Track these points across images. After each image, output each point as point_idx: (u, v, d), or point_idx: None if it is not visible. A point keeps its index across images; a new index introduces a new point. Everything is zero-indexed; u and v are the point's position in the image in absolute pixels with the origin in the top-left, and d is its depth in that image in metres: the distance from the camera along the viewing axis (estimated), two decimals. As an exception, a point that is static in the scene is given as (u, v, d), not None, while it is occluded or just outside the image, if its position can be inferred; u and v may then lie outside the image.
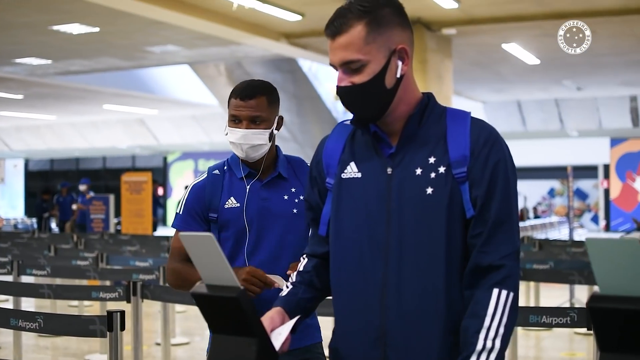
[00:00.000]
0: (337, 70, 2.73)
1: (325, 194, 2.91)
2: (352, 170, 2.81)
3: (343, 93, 2.73)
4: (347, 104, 2.75)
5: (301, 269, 2.98)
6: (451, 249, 2.67)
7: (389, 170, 2.74)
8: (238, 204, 3.85)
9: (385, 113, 2.72)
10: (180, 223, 3.88)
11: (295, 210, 3.89)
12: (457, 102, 24.16)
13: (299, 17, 14.94)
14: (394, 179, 2.72)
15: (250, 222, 3.82)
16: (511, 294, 2.63)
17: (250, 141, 3.84)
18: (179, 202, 3.95)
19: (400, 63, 2.71)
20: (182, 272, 3.82)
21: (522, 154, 33.77)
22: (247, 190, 3.88)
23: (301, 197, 3.89)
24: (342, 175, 2.83)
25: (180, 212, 3.91)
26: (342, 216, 2.80)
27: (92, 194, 23.00)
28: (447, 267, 2.66)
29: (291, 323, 2.72)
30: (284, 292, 2.91)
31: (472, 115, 2.83)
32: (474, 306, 2.63)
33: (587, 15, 15.11)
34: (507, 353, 3.25)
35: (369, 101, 2.70)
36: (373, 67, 2.66)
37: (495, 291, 2.62)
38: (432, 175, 2.68)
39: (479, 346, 2.56)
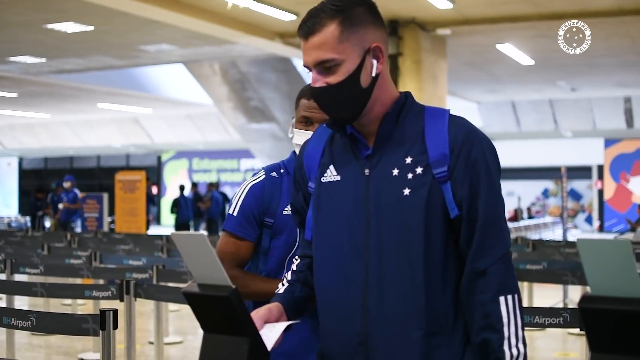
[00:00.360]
0: (310, 71, 2.69)
1: (309, 198, 2.89)
2: (331, 174, 2.79)
3: (318, 94, 2.69)
4: (322, 106, 2.71)
5: (295, 268, 2.94)
6: (430, 251, 2.63)
7: (367, 171, 2.70)
8: None
9: (361, 113, 2.68)
10: (235, 226, 3.64)
11: None
12: (451, 103, 24.19)
13: (293, 17, 14.96)
14: (371, 181, 2.69)
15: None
16: (515, 297, 2.63)
17: None
18: (233, 203, 3.70)
19: (375, 62, 2.67)
20: (239, 280, 3.47)
21: (516, 154, 33.84)
22: None
23: None
24: (322, 179, 2.80)
25: (235, 214, 3.66)
26: (323, 221, 2.78)
27: (76, 191, 22.93)
28: (427, 270, 2.62)
29: (286, 323, 2.68)
30: (281, 290, 2.87)
31: (451, 112, 2.78)
32: (487, 320, 2.62)
33: (582, 16, 15.10)
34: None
35: (345, 101, 2.66)
36: (348, 66, 2.63)
37: (502, 300, 2.61)
38: (409, 175, 2.65)
39: (508, 357, 2.58)
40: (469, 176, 2.63)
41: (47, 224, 27.85)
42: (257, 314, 2.65)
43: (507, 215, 30.77)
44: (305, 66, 2.71)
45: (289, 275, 2.93)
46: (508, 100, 30.24)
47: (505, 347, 2.58)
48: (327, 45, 2.61)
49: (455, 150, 2.64)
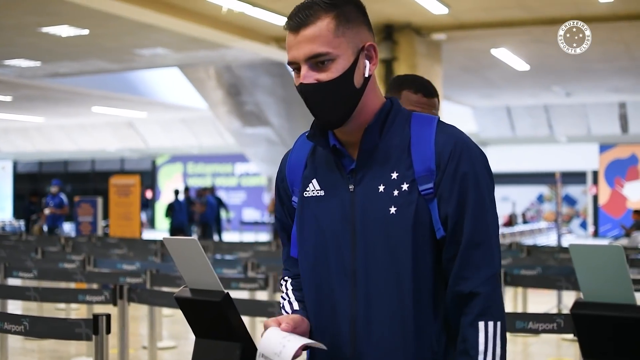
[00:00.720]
0: (293, 69, 2.53)
1: (294, 213, 2.70)
2: (314, 188, 2.61)
3: (308, 91, 2.48)
4: (312, 105, 2.50)
5: (294, 287, 2.75)
6: (419, 273, 2.47)
7: (351, 187, 2.53)
8: None
9: (350, 116, 2.50)
10: None
11: None
12: (446, 107, 24.20)
13: (288, 21, 14.94)
14: (356, 198, 2.52)
15: None
16: (498, 324, 2.45)
17: None
18: None
19: (367, 62, 2.52)
20: None
21: (511, 159, 33.85)
22: None
23: None
24: (305, 193, 2.63)
25: None
26: (307, 238, 2.61)
27: (62, 196, 22.83)
28: (416, 294, 2.46)
29: (315, 343, 2.50)
30: (296, 306, 2.69)
31: (441, 120, 2.60)
32: (463, 344, 2.46)
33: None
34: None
35: (336, 101, 2.47)
36: (342, 64, 2.45)
37: (481, 325, 2.44)
38: (395, 193, 2.47)
39: None
40: (455, 193, 2.46)
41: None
42: (291, 317, 2.51)
43: (502, 220, 30.75)
44: (290, 63, 2.52)
45: (291, 294, 2.74)
46: (503, 105, 30.26)
47: None
48: (322, 39, 2.44)
49: (441, 165, 2.46)
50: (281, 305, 2.76)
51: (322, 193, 2.60)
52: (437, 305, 2.51)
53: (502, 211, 30.65)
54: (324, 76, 2.45)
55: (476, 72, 21.68)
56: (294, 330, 2.48)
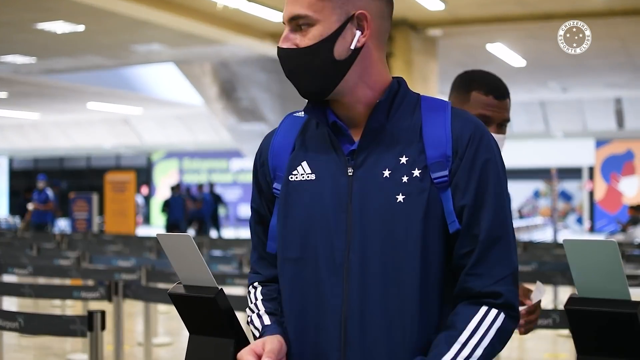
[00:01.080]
0: None
1: (274, 203, 2.38)
2: (303, 172, 2.29)
3: (282, 56, 2.25)
4: (287, 71, 2.27)
5: (265, 295, 2.43)
6: (428, 272, 2.17)
7: (350, 171, 2.22)
8: None
9: (332, 90, 2.22)
10: None
11: None
12: (442, 103, 24.19)
13: (284, 17, 14.93)
14: (356, 183, 2.21)
15: None
16: (503, 318, 2.17)
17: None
18: None
19: (358, 33, 2.21)
20: None
21: (507, 155, 33.73)
22: None
23: None
24: (291, 177, 2.31)
25: None
26: (292, 230, 2.29)
27: (48, 191, 22.70)
28: (422, 296, 2.17)
29: None
30: (267, 321, 2.36)
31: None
32: (452, 317, 2.18)
33: (572, 17, 15.05)
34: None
35: (311, 71, 2.21)
36: (321, 30, 2.18)
37: (484, 308, 2.16)
38: (404, 179, 2.18)
39: (447, 358, 2.11)
40: (474, 181, 2.18)
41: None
42: (269, 348, 2.22)
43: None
44: (284, 23, 2.28)
45: (262, 306, 2.41)
46: (499, 101, 30.24)
47: (453, 349, 2.12)
48: (304, 0, 2.19)
49: (459, 151, 2.19)
50: (248, 319, 2.44)
51: (313, 177, 2.28)
52: (443, 310, 2.22)
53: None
54: (301, 42, 2.22)
55: (472, 68, 21.62)
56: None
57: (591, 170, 34.68)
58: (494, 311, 2.16)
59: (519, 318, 2.23)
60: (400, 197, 2.17)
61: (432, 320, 2.18)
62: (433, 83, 17.53)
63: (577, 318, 2.17)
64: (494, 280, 2.17)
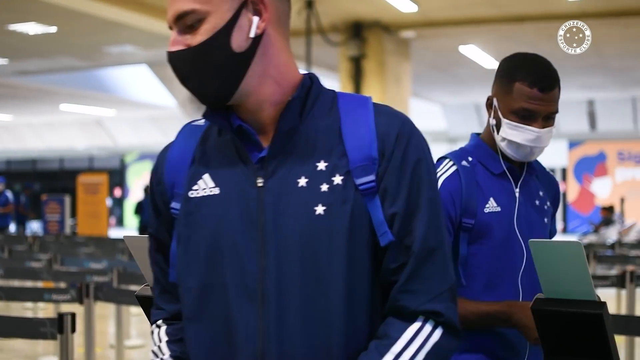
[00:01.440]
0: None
1: (173, 226, 2.05)
2: (205, 186, 1.98)
3: (173, 60, 1.96)
4: (181, 77, 1.96)
5: (169, 336, 2.11)
6: (355, 294, 1.88)
7: (260, 182, 1.91)
8: (499, 208, 2.93)
9: (236, 90, 1.92)
10: None
11: (546, 220, 3.07)
12: (416, 104, 24.25)
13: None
14: (267, 195, 1.90)
15: (520, 233, 2.92)
16: (442, 332, 1.89)
17: (544, 143, 2.97)
18: None
19: (255, 18, 1.93)
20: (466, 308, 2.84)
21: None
22: (516, 189, 3.02)
23: (548, 204, 3.12)
24: (191, 193, 2.00)
25: None
26: (194, 254, 1.97)
27: (8, 194, 22.38)
28: (349, 322, 1.88)
29: None
30: None
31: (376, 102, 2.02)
32: (383, 327, 1.91)
33: (544, 19, 15.21)
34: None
35: (210, 70, 1.91)
36: (213, 22, 1.89)
37: (420, 320, 1.88)
38: (324, 187, 1.88)
39: None
40: (405, 186, 1.90)
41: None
42: None
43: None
44: (170, 28, 2.00)
45: (166, 349, 2.09)
46: (472, 103, 30.35)
47: (387, 357, 1.85)
48: None
49: (386, 152, 1.91)
50: None
51: (217, 191, 1.97)
52: (372, 335, 1.93)
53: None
54: (193, 40, 1.92)
55: (445, 70, 21.72)
56: None
57: (564, 171, 34.79)
58: (430, 324, 1.88)
59: (460, 337, 1.95)
60: (319, 209, 1.87)
61: (360, 348, 1.90)
62: (406, 84, 17.55)
63: (543, 319, 2.18)
64: (430, 297, 1.88)
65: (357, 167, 1.89)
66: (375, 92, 16.02)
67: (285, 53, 1.99)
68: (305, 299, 1.86)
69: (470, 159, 3.00)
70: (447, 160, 3.01)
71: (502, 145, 2.96)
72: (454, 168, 2.94)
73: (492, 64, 19.88)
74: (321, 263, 1.86)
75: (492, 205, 2.90)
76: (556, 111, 2.99)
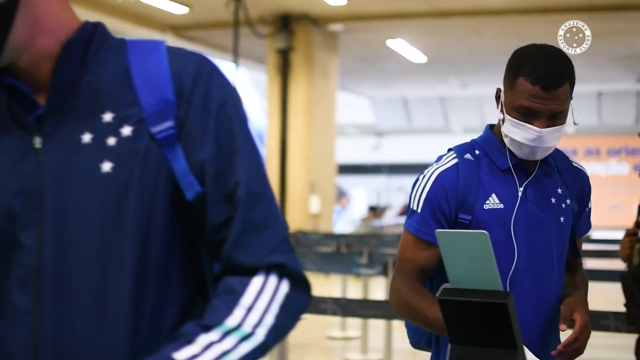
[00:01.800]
0: None
1: None
2: None
3: None
4: None
5: None
6: (150, 261, 1.60)
7: (38, 142, 1.61)
8: (502, 205, 2.80)
9: (2, 46, 1.56)
10: (417, 225, 2.80)
11: (562, 219, 2.90)
12: (344, 98, 24.32)
13: (185, 10, 14.83)
14: (46, 157, 1.60)
15: (518, 232, 2.78)
16: (290, 284, 1.61)
17: (547, 143, 2.75)
18: (414, 194, 2.87)
19: None
20: (408, 302, 2.75)
21: (407, 150, 34.17)
22: (519, 187, 2.86)
23: (568, 202, 2.91)
24: None
25: (418, 209, 2.81)
26: None
27: None
28: (136, 303, 1.58)
29: None
30: None
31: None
32: (223, 283, 1.61)
33: (472, 14, 15.37)
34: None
35: None
36: None
37: (262, 274, 1.60)
38: (111, 141, 1.60)
39: (231, 322, 1.54)
40: (212, 128, 1.64)
41: None
42: None
43: (397, 210, 30.97)
44: None
45: None
46: (400, 97, 30.49)
47: (236, 312, 1.55)
48: None
49: (184, 92, 1.64)
50: None
51: None
52: (168, 316, 1.65)
53: (398, 201, 30.93)
54: None
55: (373, 63, 21.79)
56: None
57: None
58: (274, 276, 1.60)
59: (311, 289, 1.68)
60: (106, 166, 1.58)
61: (154, 329, 1.62)
62: (333, 77, 17.58)
63: (449, 308, 2.21)
64: (269, 250, 1.61)
65: (152, 113, 1.62)
66: (302, 84, 16.02)
67: (62, 2, 1.72)
68: (89, 272, 1.57)
69: (477, 152, 2.89)
70: (450, 152, 2.93)
71: (506, 141, 2.84)
72: (453, 161, 2.85)
73: (420, 58, 20.02)
74: (108, 227, 1.58)
75: (493, 202, 2.77)
76: (563, 110, 2.75)
